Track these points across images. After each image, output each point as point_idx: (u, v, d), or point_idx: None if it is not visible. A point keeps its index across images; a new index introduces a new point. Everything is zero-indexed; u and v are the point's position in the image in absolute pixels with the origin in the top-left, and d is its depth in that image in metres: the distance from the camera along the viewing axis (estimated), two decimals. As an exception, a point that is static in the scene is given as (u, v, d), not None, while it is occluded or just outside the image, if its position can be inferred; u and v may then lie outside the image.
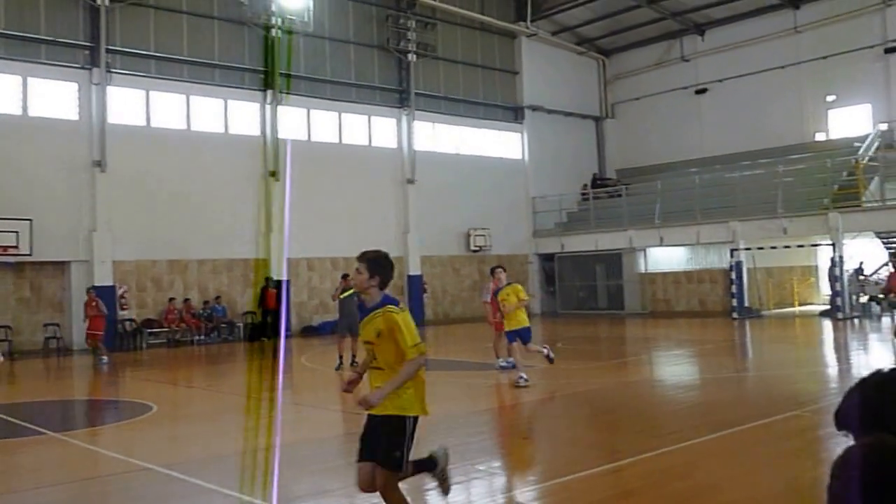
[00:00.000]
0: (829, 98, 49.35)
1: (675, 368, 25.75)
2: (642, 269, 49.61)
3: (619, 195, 52.45)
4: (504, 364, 23.06)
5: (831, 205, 40.68)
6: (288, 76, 42.28)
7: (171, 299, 37.99)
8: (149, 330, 37.63)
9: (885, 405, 3.11)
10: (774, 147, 49.00)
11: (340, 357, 25.57)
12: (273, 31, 41.49)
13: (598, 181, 57.43)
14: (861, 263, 41.88)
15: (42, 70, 35.86)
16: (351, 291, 24.85)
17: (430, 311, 48.17)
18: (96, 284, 35.31)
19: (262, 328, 38.41)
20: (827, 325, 36.82)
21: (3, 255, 33.43)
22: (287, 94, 42.08)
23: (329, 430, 16.45)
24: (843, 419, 3.26)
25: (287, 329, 41.19)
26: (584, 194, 55.49)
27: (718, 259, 46.28)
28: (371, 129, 46.75)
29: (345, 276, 26.13)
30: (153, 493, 11.54)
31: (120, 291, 36.96)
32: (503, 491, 11.35)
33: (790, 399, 16.92)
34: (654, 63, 56.99)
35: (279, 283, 38.54)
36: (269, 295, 37.98)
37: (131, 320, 37.21)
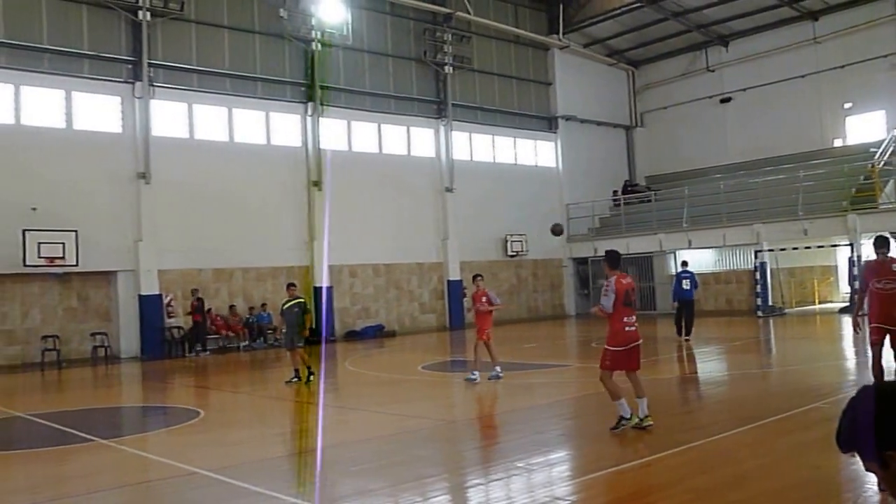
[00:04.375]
0: (847, 105, 48.19)
1: (703, 365, 25.11)
2: (672, 271, 47.08)
3: (649, 200, 51.24)
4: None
5: (849, 207, 39.76)
6: (328, 88, 40.33)
7: (208, 310, 35.66)
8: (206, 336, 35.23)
9: None
10: (795, 153, 48.24)
11: (296, 370, 22.95)
12: (313, 45, 39.76)
13: (629, 187, 55.84)
14: None
15: (86, 84, 33.82)
16: (293, 301, 23.31)
17: (470, 314, 45.56)
18: (142, 293, 33.96)
19: (192, 341, 34.82)
20: (846, 321, 34.95)
21: (50, 266, 31.38)
22: (327, 105, 40.21)
23: (371, 431, 15.37)
24: (850, 441, 2.96)
25: (331, 334, 38.93)
26: (615, 200, 54.10)
27: (743, 260, 45.03)
28: (410, 139, 44.75)
29: (290, 286, 24.08)
30: (200, 496, 11.06)
31: (167, 300, 34.76)
32: (540, 487, 10.59)
33: (812, 391, 16.69)
34: (680, 73, 55.55)
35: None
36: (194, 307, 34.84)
37: (179, 328, 34.88)
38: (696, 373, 23.23)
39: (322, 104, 40.01)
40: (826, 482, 10.12)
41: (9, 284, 31.97)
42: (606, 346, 13.51)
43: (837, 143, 48.45)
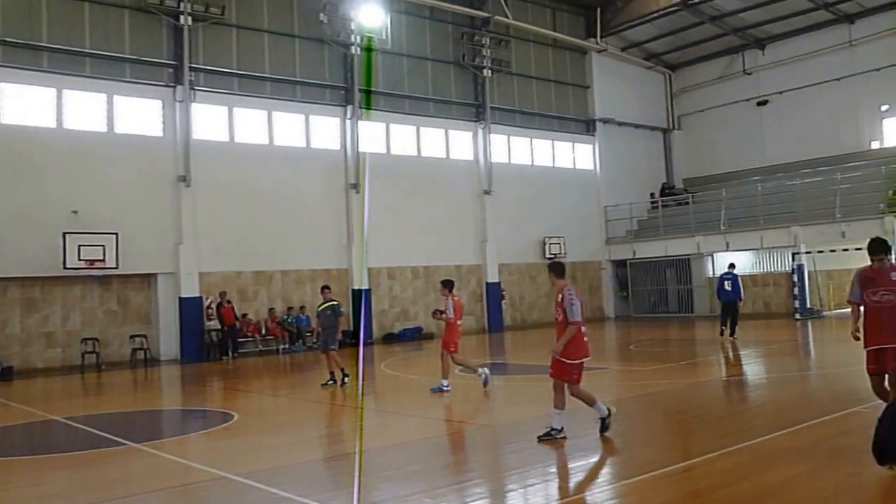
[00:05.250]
0: (884, 108, 47.64)
1: (741, 368, 24.52)
2: (710, 274, 47.44)
3: (687, 203, 50.68)
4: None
5: (886, 209, 39.22)
6: (368, 92, 39.83)
7: (244, 315, 35.33)
8: (237, 340, 34.79)
9: None
10: (832, 155, 47.66)
11: (331, 373, 22.59)
12: (352, 49, 39.28)
13: (667, 190, 55.35)
14: None
15: (127, 88, 33.36)
16: (327, 304, 22.98)
17: (508, 317, 45.98)
18: (182, 296, 33.64)
19: (221, 346, 34.42)
20: None
21: (91, 268, 30.90)
22: (367, 109, 39.70)
23: (408, 435, 15.15)
24: (889, 451, 2.32)
25: (368, 336, 38.36)
26: (653, 203, 53.53)
27: (781, 263, 44.54)
28: (448, 142, 44.12)
29: (324, 288, 23.74)
30: (229, 502, 10.82)
31: (207, 302, 34.21)
32: (577, 492, 10.61)
33: (851, 396, 15.80)
34: (717, 76, 54.90)
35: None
36: (225, 311, 34.17)
37: (217, 331, 34.25)
38: (734, 376, 22.77)
39: (361, 107, 39.51)
40: (866, 491, 9.82)
41: (49, 287, 31.58)
42: (570, 360, 13.10)
43: (875, 145, 47.69)
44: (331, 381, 22.28)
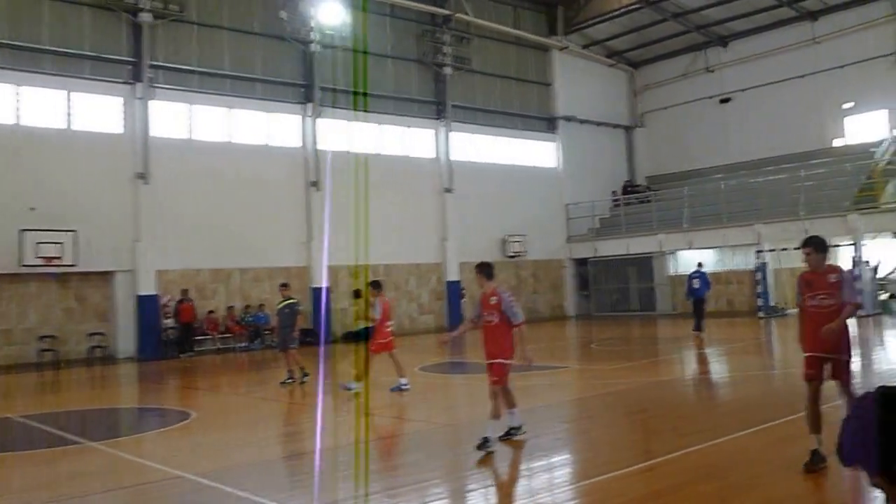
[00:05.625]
0: (847, 105, 48.49)
1: (704, 367, 25.09)
2: (672, 272, 48.49)
3: (649, 201, 51.92)
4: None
5: (851, 207, 39.98)
6: (328, 89, 40.58)
7: (210, 312, 36.21)
8: (193, 338, 35.58)
9: None
10: (795, 152, 48.43)
11: (290, 371, 22.78)
12: (313, 46, 40.04)
13: (629, 188, 56.26)
14: (878, 263, 40.92)
15: (86, 85, 34.13)
16: (285, 302, 23.25)
17: (469, 315, 45.68)
18: (140, 294, 34.32)
19: (178, 344, 35.18)
20: (849, 322, 34.37)
21: (48, 266, 31.67)
22: (327, 106, 40.54)
23: (369, 433, 15.11)
24: (853, 454, 2.75)
25: (328, 335, 38.85)
26: (615, 201, 54.49)
27: (744, 261, 45.29)
28: (409, 141, 44.96)
29: (282, 286, 24.21)
30: (184, 502, 10.92)
31: (164, 300, 35.04)
32: (539, 492, 10.57)
33: None
34: (680, 74, 55.90)
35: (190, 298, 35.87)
36: (184, 309, 34.99)
37: (174, 328, 35.12)
38: (697, 374, 23.30)
39: (321, 105, 40.32)
40: (829, 491, 10.08)
41: (6, 284, 32.22)
42: (507, 361, 12.96)
43: (838, 142, 48.69)
44: (289, 380, 22.52)
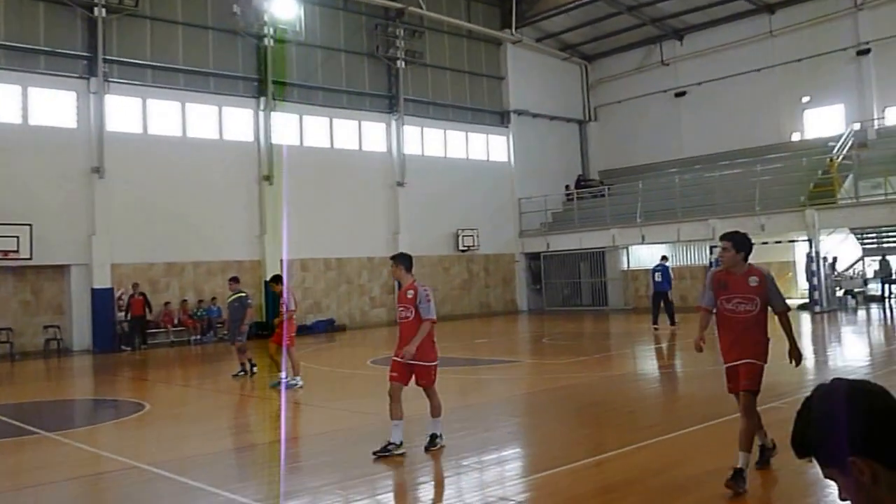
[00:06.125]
0: (804, 99, 49.33)
1: (656, 362, 25.53)
2: (625, 267, 49.31)
3: (603, 195, 52.49)
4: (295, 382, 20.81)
5: (807, 202, 40.42)
6: (281, 83, 41.76)
7: (166, 303, 37.55)
8: (146, 331, 36.87)
9: (876, 425, 2.60)
10: (752, 147, 49.05)
11: (241, 364, 23.62)
12: (266, 40, 41.26)
13: (582, 182, 57.05)
14: (834, 259, 41.93)
15: (41, 80, 35.30)
16: (235, 296, 23.85)
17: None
18: (95, 287, 35.43)
19: (130, 337, 36.35)
20: (805, 318, 36.24)
21: (4, 259, 32.88)
22: (280, 100, 41.70)
23: (318, 427, 16.08)
24: (808, 445, 2.76)
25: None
26: (568, 195, 55.25)
27: (699, 256, 45.89)
28: (362, 134, 46.07)
29: (232, 280, 24.82)
30: (138, 492, 11.15)
31: (118, 294, 36.29)
32: (490, 485, 10.70)
33: (768, 391, 15.25)
34: (635, 67, 56.83)
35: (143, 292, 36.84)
36: (136, 302, 36.16)
37: (128, 321, 36.31)
38: (649, 370, 23.91)
39: (274, 99, 41.46)
40: (783, 485, 10.26)
41: (-38, 278, 33.38)
42: (433, 363, 12.52)
43: (795, 137, 49.43)
44: (241, 372, 23.32)
